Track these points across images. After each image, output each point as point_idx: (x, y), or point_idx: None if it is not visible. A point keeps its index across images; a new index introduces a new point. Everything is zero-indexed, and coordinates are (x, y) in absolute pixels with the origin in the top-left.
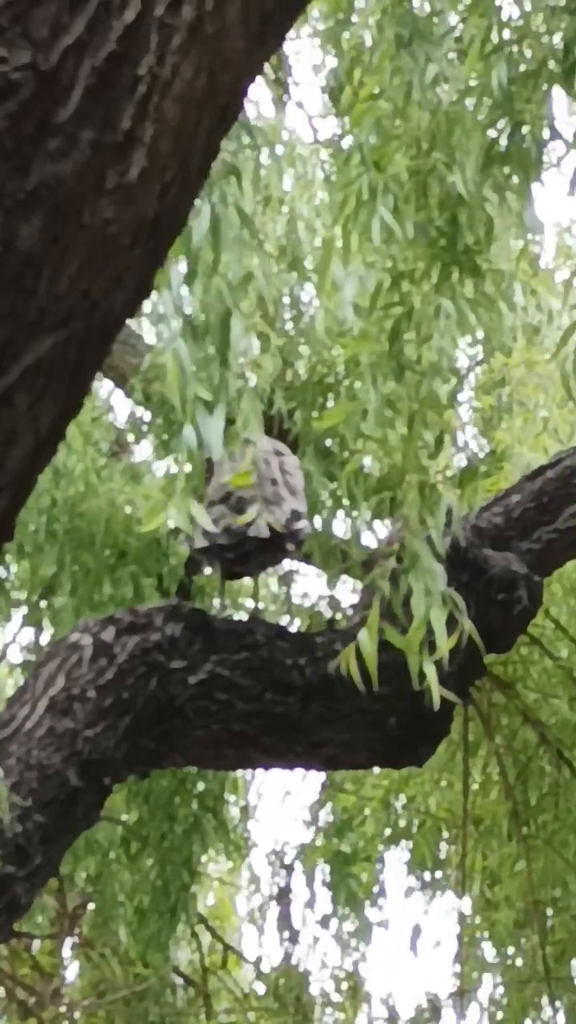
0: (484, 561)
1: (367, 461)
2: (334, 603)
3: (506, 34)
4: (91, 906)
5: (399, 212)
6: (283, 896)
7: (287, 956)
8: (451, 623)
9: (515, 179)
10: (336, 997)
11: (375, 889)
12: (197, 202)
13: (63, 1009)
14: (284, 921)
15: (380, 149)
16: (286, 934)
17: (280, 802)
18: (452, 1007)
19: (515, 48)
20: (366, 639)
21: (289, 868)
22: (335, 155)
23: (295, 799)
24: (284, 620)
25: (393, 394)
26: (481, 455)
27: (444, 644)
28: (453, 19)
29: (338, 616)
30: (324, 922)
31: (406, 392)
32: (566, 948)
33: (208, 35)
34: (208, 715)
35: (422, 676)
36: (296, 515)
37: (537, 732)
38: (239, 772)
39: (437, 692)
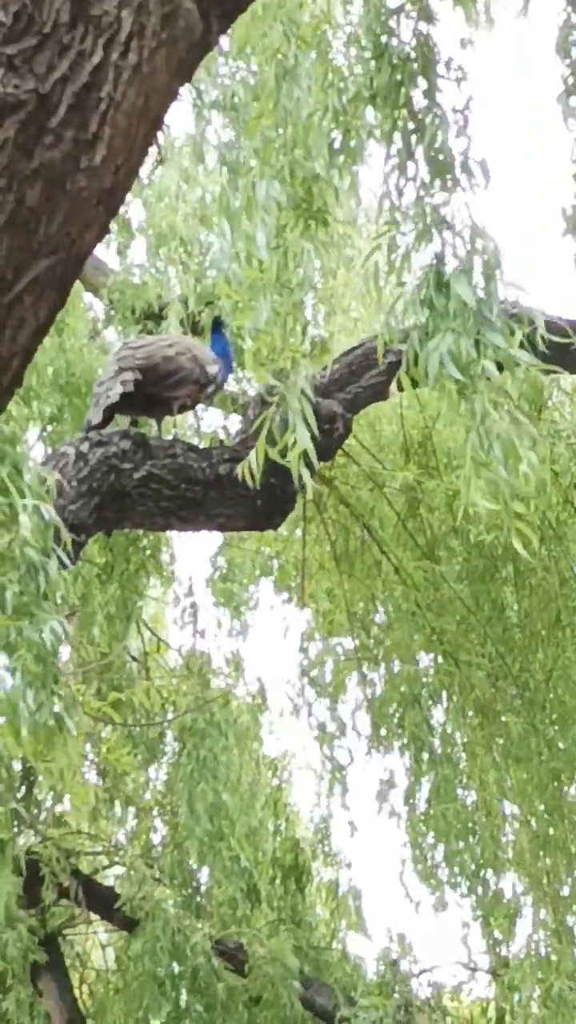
0: (316, 404)
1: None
2: (227, 431)
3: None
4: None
5: (280, 188)
6: (194, 610)
7: (194, 645)
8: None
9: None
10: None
11: (252, 601)
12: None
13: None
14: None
15: (264, 149)
16: (193, 629)
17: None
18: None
19: (342, 83)
20: (255, 456)
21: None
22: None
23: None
24: (196, 440)
25: (276, 304)
26: (319, 340)
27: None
28: (308, 62)
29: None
30: (218, 624)
31: (284, 302)
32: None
33: (145, 73)
34: (146, 498)
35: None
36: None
37: (348, 509)
38: (168, 533)
39: (297, 473)
